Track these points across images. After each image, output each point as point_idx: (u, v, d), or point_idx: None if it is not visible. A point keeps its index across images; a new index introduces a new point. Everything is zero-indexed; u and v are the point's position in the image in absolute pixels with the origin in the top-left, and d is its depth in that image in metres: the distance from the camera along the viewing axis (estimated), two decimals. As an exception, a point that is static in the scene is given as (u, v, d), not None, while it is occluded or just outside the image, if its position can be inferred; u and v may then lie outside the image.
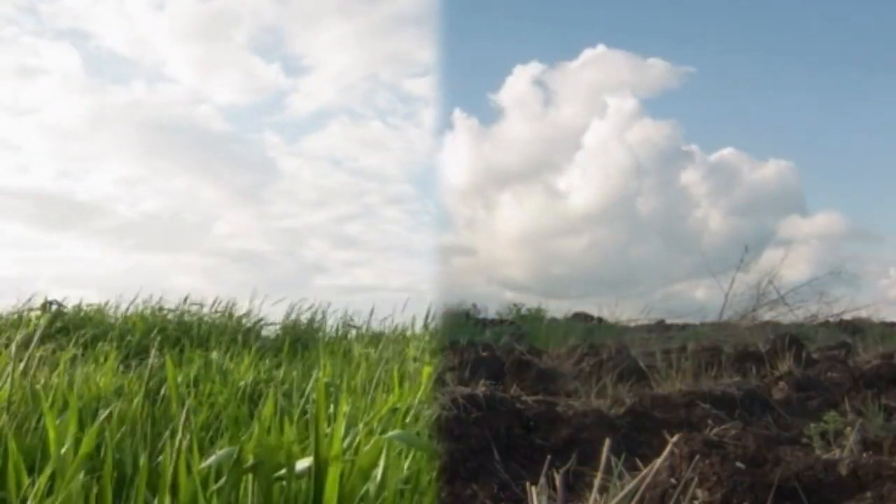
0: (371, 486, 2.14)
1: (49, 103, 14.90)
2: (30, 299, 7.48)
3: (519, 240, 12.46)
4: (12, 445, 2.11)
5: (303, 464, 2.04)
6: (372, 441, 2.27)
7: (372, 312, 7.98)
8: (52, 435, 2.22)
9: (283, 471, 2.06)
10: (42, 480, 1.93)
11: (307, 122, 15.76)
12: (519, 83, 12.61)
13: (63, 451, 2.13)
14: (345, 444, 2.33)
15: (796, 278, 9.55)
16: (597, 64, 12.92)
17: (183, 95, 14.98)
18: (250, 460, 2.04)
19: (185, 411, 1.98)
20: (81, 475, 2.08)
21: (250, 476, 2.05)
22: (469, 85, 12.96)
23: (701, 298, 9.46)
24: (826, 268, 9.60)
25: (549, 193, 12.75)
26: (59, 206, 14.26)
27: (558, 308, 11.39)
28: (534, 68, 12.51)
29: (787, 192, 12.55)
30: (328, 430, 2.05)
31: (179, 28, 14.45)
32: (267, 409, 2.59)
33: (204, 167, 15.17)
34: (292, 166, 14.90)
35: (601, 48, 12.80)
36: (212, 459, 2.00)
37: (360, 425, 2.64)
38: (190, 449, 2.09)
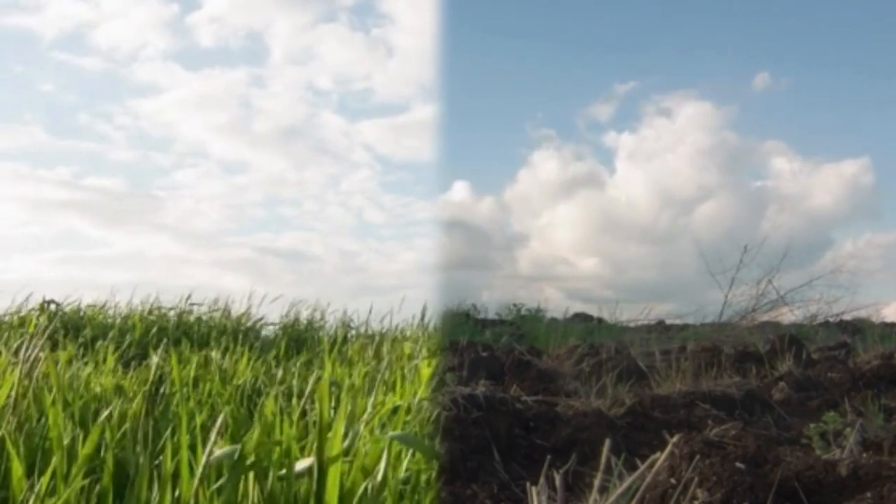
0: (371, 486, 2.13)
1: (148, 87, 14.93)
2: (27, 299, 7.50)
3: (585, 247, 12.55)
4: (13, 446, 2.10)
5: (303, 463, 2.04)
6: (371, 441, 2.28)
7: (370, 312, 7.99)
8: (53, 434, 2.22)
9: (284, 470, 2.07)
10: (44, 480, 1.93)
11: (395, 108, 15.57)
12: (608, 102, 12.71)
13: (64, 451, 2.13)
14: (345, 444, 2.33)
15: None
16: (683, 79, 13.03)
17: (278, 77, 14.83)
18: (251, 459, 2.04)
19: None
20: (82, 475, 2.08)
21: (251, 475, 2.05)
22: (561, 104, 13.07)
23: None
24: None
25: (616, 200, 12.84)
26: (131, 201, 14.32)
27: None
28: (625, 86, 12.59)
29: (862, 199, 12.61)
30: (330, 431, 2.05)
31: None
32: (267, 408, 2.59)
33: (290, 156, 15.05)
34: (369, 158, 14.82)
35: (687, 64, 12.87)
36: (214, 457, 2.00)
37: (361, 425, 2.64)
38: (192, 447, 2.09)
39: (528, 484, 2.25)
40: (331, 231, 14.28)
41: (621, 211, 12.84)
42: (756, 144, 13.30)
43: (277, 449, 2.14)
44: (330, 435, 2.00)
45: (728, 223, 12.17)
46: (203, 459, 1.91)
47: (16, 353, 3.25)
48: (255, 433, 2.28)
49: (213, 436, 1.92)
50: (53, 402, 2.61)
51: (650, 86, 13.33)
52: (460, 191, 12.78)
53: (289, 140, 14.97)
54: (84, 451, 2.19)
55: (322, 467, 1.98)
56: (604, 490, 2.10)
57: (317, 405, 2.02)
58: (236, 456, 2.00)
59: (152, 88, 15.31)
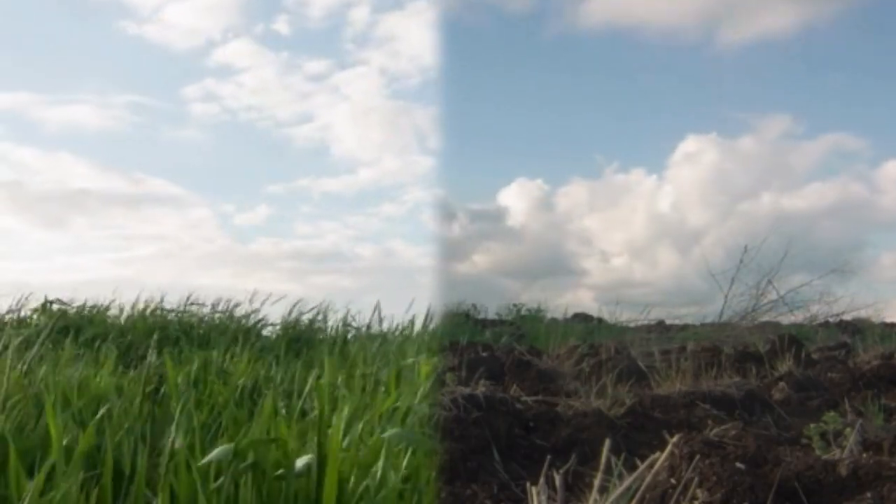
0: (371, 484, 2.14)
1: (227, 69, 14.72)
2: (27, 298, 7.49)
3: (638, 253, 12.60)
4: (12, 445, 2.11)
5: (301, 461, 2.04)
6: (371, 439, 2.28)
7: (374, 311, 7.97)
8: (53, 433, 2.22)
9: (282, 469, 2.07)
10: (40, 477, 1.93)
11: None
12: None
13: (62, 449, 2.13)
14: (345, 443, 2.33)
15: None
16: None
17: (359, 61, 14.53)
18: (249, 458, 2.04)
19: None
20: (81, 474, 2.08)
21: (250, 474, 2.05)
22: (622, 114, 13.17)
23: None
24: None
25: (669, 206, 12.91)
26: (183, 195, 14.15)
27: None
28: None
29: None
30: (330, 430, 2.05)
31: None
32: (266, 408, 2.59)
33: (360, 147, 14.68)
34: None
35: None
36: (210, 456, 2.00)
37: (360, 424, 2.64)
38: (190, 448, 2.09)
39: (528, 484, 2.25)
40: (382, 230, 13.95)
41: (674, 217, 12.88)
42: (814, 146, 13.29)
43: (275, 448, 2.14)
44: (330, 432, 2.00)
45: (785, 227, 12.11)
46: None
47: (16, 352, 3.25)
48: (251, 432, 2.28)
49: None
50: (53, 402, 2.61)
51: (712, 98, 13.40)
52: (512, 193, 12.76)
53: (362, 127, 14.53)
54: (80, 448, 2.18)
55: (322, 465, 1.99)
56: (604, 490, 2.10)
57: (316, 405, 2.02)
58: (230, 455, 2.00)
59: (231, 70, 14.89)
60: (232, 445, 2.02)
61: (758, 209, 12.73)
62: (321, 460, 2.00)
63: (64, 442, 2.21)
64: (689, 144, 13.22)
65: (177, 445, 2.14)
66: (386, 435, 2.24)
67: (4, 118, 14.61)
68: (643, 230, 13.06)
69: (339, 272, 13.00)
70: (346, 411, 2.69)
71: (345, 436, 2.45)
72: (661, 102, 13.50)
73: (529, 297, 11.75)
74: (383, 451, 2.21)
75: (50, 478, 2.07)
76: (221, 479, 2.03)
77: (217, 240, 14.07)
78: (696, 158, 13.09)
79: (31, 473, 2.16)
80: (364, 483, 2.14)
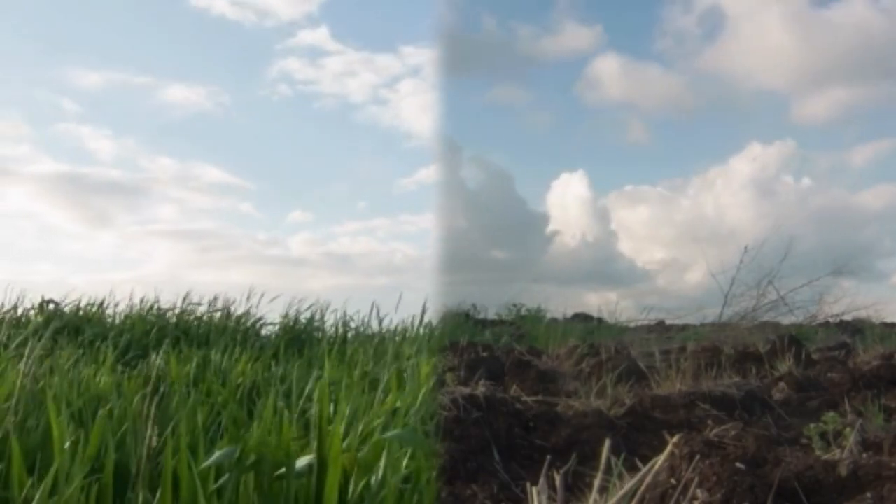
0: (371, 485, 2.13)
1: (306, 52, 14.48)
2: (22, 298, 7.49)
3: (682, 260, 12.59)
4: (15, 446, 2.10)
5: (302, 462, 2.04)
6: (372, 440, 2.28)
7: (371, 311, 7.97)
8: (55, 433, 2.21)
9: (283, 469, 2.06)
10: (48, 481, 1.93)
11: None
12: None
13: (66, 451, 2.13)
14: (345, 444, 2.33)
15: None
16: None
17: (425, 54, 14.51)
18: (251, 459, 2.04)
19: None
20: (82, 474, 2.08)
21: (251, 474, 2.04)
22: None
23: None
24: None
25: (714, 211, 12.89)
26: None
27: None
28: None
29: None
30: (329, 429, 2.05)
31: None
32: (267, 408, 2.59)
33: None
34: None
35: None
36: (213, 458, 2.00)
37: (360, 425, 2.64)
38: (192, 448, 2.09)
39: (528, 484, 2.25)
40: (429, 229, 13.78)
41: (723, 223, 12.89)
42: (878, 147, 13.28)
43: (277, 448, 2.14)
44: (329, 430, 2.00)
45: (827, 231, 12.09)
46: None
47: (15, 352, 3.24)
48: (254, 433, 2.28)
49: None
50: (54, 401, 2.60)
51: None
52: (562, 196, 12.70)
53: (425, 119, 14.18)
54: (88, 452, 2.18)
55: (322, 465, 1.98)
56: (604, 490, 2.10)
57: (316, 405, 2.02)
58: (235, 456, 2.00)
59: (314, 52, 14.71)
60: (236, 448, 2.01)
61: (823, 212, 12.71)
62: (321, 461, 2.00)
63: (66, 443, 2.21)
64: (753, 150, 13.20)
65: (178, 445, 2.13)
66: (387, 436, 2.24)
67: (79, 98, 14.25)
68: (693, 236, 13.05)
69: (374, 272, 12.87)
70: (345, 411, 2.69)
71: (345, 436, 2.45)
72: (715, 110, 13.48)
73: (571, 302, 11.70)
74: (384, 452, 2.21)
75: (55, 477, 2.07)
76: (223, 479, 2.03)
77: (263, 237, 13.92)
78: (755, 164, 13.07)
79: (31, 473, 2.16)
80: (364, 483, 2.14)
